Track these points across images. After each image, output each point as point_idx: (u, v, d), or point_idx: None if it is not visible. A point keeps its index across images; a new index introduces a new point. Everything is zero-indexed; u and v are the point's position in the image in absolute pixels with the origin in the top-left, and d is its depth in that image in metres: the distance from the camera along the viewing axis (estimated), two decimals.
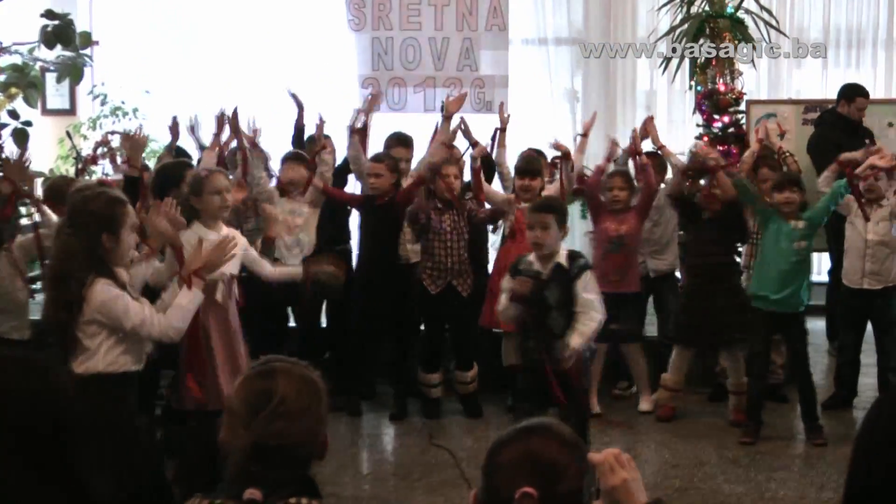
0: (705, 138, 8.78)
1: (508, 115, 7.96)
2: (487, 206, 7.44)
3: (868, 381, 7.60)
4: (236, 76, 10.62)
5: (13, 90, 9.22)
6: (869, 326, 7.48)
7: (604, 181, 7.50)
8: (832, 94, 8.93)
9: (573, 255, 5.84)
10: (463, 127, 7.71)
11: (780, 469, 6.42)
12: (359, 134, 7.74)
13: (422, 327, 7.61)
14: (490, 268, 7.74)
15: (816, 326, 8.39)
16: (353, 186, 8.17)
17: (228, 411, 2.63)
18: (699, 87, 9.07)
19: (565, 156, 7.44)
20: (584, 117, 9.66)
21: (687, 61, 9.14)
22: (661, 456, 6.75)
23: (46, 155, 10.31)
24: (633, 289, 7.50)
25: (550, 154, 7.83)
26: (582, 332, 5.70)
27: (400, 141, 7.98)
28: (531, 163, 7.51)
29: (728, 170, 7.18)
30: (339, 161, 7.88)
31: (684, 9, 9.20)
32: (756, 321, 6.94)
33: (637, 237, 7.48)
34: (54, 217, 6.04)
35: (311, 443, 2.61)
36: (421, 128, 8.25)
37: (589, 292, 5.75)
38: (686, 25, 9.06)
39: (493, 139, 7.91)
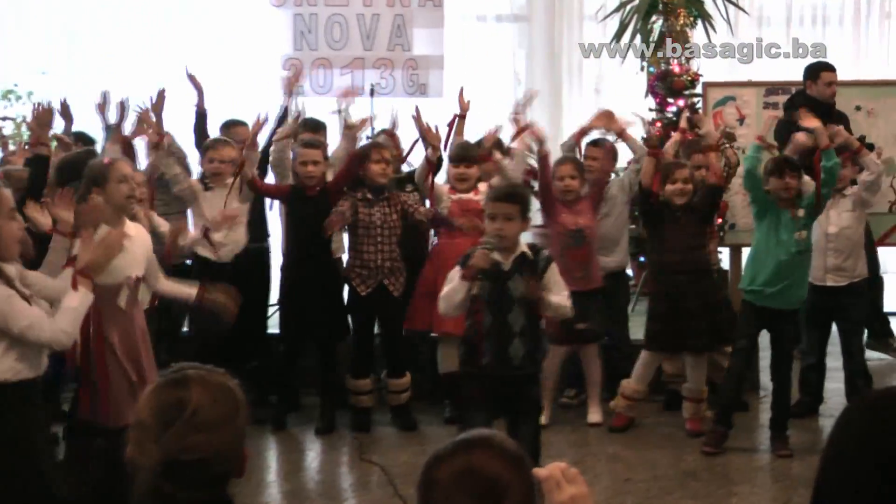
0: (657, 123, 8.84)
1: (469, 101, 7.90)
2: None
3: (835, 387, 7.68)
4: (145, 55, 10.50)
5: None
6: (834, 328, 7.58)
7: (552, 170, 7.51)
8: (796, 76, 9.03)
9: (534, 247, 5.81)
10: (416, 116, 7.69)
11: (743, 483, 6.47)
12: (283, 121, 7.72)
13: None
14: None
15: None
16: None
17: (136, 425, 2.59)
18: (652, 69, 9.13)
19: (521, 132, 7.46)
20: None
21: (639, 40, 9.20)
22: (613, 470, 6.77)
23: None
24: (598, 284, 7.54)
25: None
26: (559, 300, 5.61)
27: (311, 127, 7.94)
28: (467, 150, 7.51)
29: (659, 154, 7.22)
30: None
31: None
32: (746, 316, 6.96)
33: (595, 228, 7.52)
34: None
35: (229, 459, 2.58)
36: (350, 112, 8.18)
37: (561, 288, 5.70)
38: (637, 0, 9.12)
39: (450, 126, 7.88)
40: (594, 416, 7.57)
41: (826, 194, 6.91)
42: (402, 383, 7.52)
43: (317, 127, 8.03)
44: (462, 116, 7.83)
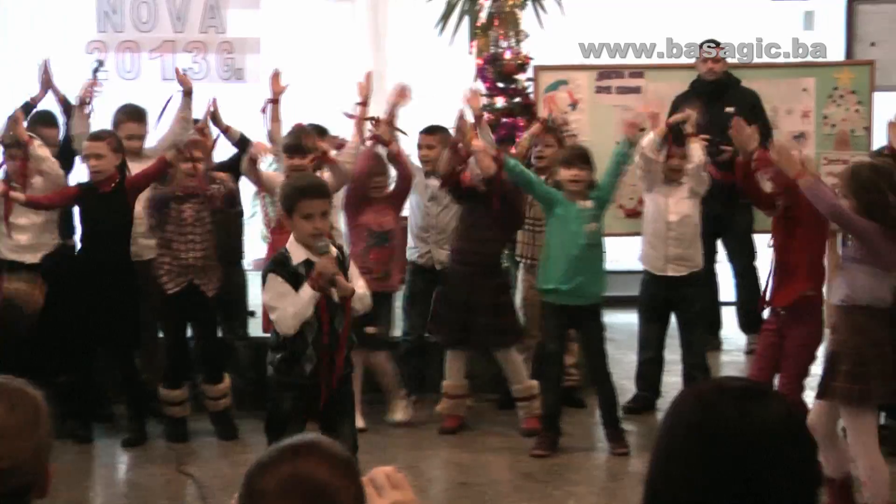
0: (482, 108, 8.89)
1: (287, 85, 7.79)
2: None
3: (673, 381, 7.85)
4: None
5: None
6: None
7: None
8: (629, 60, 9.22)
9: (338, 246, 5.80)
10: (213, 111, 7.60)
11: (581, 483, 6.58)
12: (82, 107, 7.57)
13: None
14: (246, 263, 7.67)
15: (620, 320, 8.62)
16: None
17: None
18: (480, 52, 9.19)
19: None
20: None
21: (466, 21, 9.25)
22: (447, 473, 6.82)
23: None
24: (395, 286, 7.56)
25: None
26: (360, 294, 5.62)
27: (131, 115, 7.77)
28: (300, 139, 7.46)
29: (499, 155, 7.26)
30: None
31: None
32: (549, 318, 7.08)
33: (399, 228, 7.54)
34: None
35: (29, 473, 2.51)
36: (158, 100, 8.03)
37: (359, 278, 5.72)
38: None
39: (262, 112, 7.77)
40: (398, 414, 7.60)
41: (612, 183, 7.05)
42: (221, 389, 7.42)
43: (138, 115, 7.81)
44: (275, 101, 7.69)
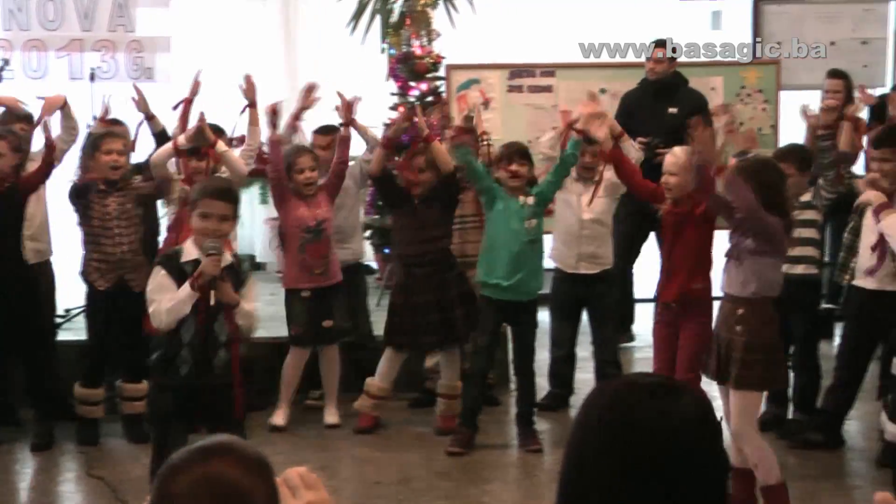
0: (401, 108, 8.91)
1: (199, 84, 7.71)
2: None
3: (586, 377, 7.90)
4: None
5: None
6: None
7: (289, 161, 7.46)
8: (540, 58, 9.26)
9: (238, 257, 5.79)
10: (137, 98, 7.52)
11: (494, 480, 6.60)
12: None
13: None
14: None
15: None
16: None
17: None
18: (393, 51, 9.19)
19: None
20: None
21: (378, 20, 9.24)
22: (361, 473, 6.80)
23: None
24: (338, 279, 7.52)
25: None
26: (247, 310, 5.57)
27: (20, 116, 7.66)
28: (200, 140, 7.38)
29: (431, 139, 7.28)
30: None
31: None
32: (485, 312, 7.08)
33: (331, 221, 7.51)
34: None
35: None
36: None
37: (253, 300, 5.69)
38: None
39: (176, 109, 7.68)
40: (331, 417, 7.55)
41: (555, 182, 7.08)
42: (141, 389, 7.32)
43: (28, 117, 7.70)
44: (190, 100, 7.64)
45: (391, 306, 7.47)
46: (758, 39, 11.26)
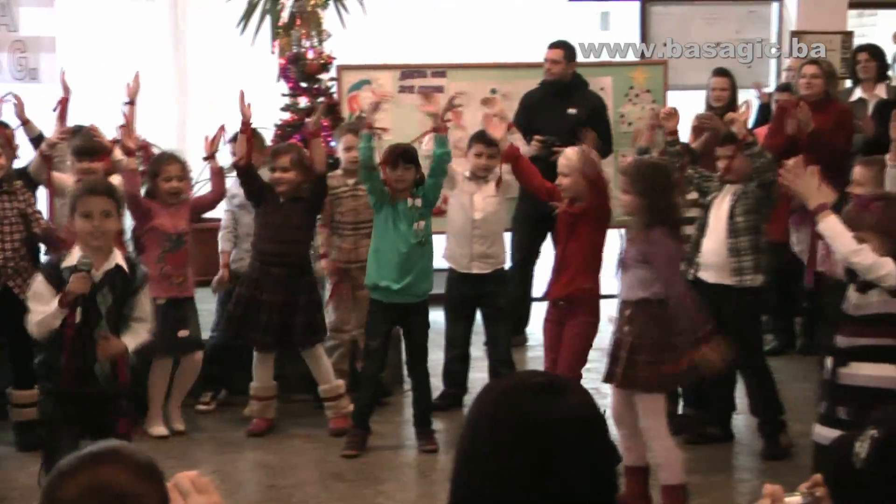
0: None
1: (66, 84, 7.59)
2: None
3: (480, 377, 7.92)
4: None
5: None
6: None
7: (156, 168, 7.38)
8: (430, 59, 9.27)
9: (132, 260, 5.67)
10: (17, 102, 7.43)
11: (389, 480, 6.61)
12: None
13: None
14: None
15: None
16: None
17: None
18: (283, 52, 9.14)
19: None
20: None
21: (269, 20, 9.18)
22: (255, 477, 6.77)
23: None
24: (193, 292, 7.46)
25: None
26: (136, 339, 5.50)
27: None
28: (92, 142, 7.29)
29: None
30: None
31: None
32: (375, 316, 7.07)
33: (190, 235, 7.43)
34: None
35: None
36: None
37: (148, 315, 5.62)
38: None
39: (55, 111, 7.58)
40: (160, 428, 7.34)
41: (434, 183, 7.06)
42: (30, 395, 7.18)
43: None
44: (66, 100, 7.53)
45: (236, 296, 7.39)
46: (645, 39, 11.43)
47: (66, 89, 7.57)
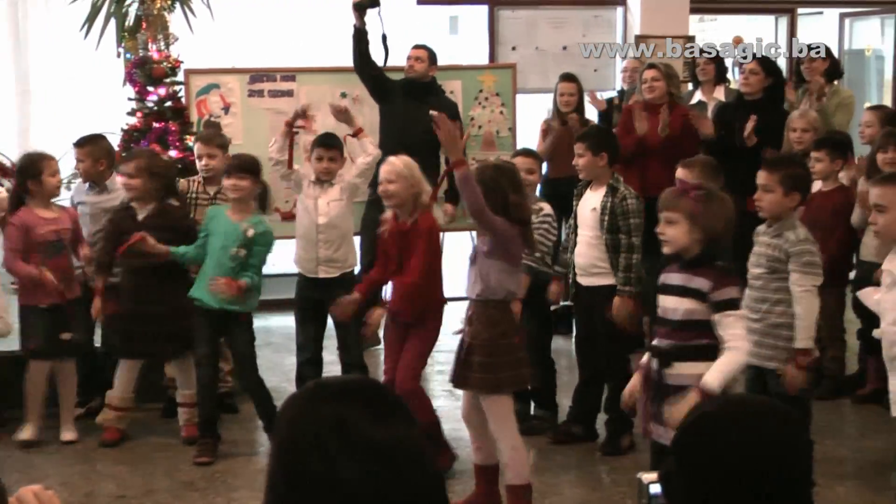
0: (138, 114, 8.73)
1: None
2: None
3: None
4: None
5: None
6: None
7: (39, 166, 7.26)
8: (279, 62, 9.22)
9: None
10: None
11: (242, 488, 6.56)
12: None
13: None
14: None
15: (278, 323, 8.60)
16: None
17: None
18: (129, 55, 9.01)
19: None
20: None
21: (113, 23, 9.05)
22: (104, 487, 6.66)
23: None
24: (79, 293, 7.35)
25: None
26: None
27: None
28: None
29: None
30: None
31: None
32: (198, 323, 7.05)
33: (69, 236, 7.33)
34: None
35: None
36: None
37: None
38: None
39: None
40: (68, 433, 7.35)
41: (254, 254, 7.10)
42: None
43: None
44: None
45: (119, 312, 7.32)
46: (494, 43, 11.53)
47: None
